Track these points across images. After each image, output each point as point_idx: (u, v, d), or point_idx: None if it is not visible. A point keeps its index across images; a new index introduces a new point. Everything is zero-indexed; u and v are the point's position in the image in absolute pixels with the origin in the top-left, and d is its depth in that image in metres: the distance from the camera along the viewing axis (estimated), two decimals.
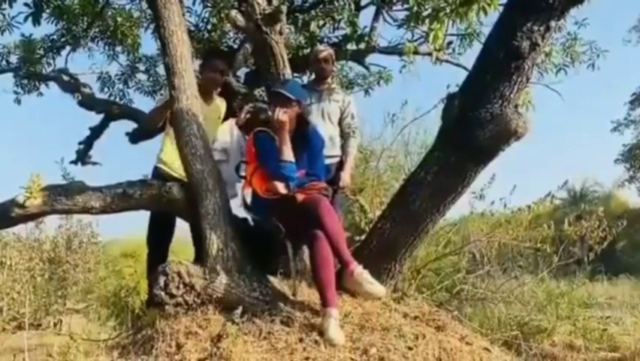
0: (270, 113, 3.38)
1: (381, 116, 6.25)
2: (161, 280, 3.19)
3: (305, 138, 3.44)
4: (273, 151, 3.31)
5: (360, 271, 3.04)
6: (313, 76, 4.52)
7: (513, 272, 5.88)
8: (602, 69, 7.15)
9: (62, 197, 3.52)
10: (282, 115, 3.24)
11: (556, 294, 5.35)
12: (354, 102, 4.44)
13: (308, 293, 3.43)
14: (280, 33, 3.92)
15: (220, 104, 4.30)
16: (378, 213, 4.64)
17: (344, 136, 4.28)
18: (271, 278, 3.42)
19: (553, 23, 2.93)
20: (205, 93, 4.05)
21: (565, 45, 6.82)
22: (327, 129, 4.09)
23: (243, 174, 3.49)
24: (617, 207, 22.19)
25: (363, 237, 4.30)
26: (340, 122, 4.29)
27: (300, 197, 3.19)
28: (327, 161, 3.87)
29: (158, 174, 3.94)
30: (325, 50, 4.34)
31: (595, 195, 24.84)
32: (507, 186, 5.27)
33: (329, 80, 4.38)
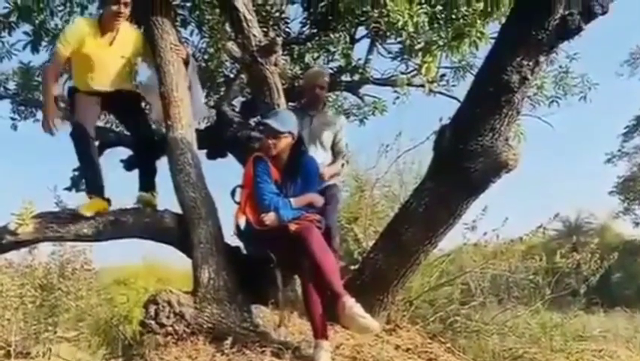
0: (262, 142, 3.41)
1: (375, 146, 6.28)
2: (152, 309, 3.18)
3: (299, 164, 3.45)
4: (269, 183, 3.32)
5: (351, 305, 2.92)
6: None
7: (508, 303, 5.85)
8: (596, 101, 7.25)
9: (54, 224, 3.53)
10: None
11: (550, 326, 5.30)
12: (345, 128, 4.32)
13: (299, 324, 3.41)
14: (275, 64, 3.97)
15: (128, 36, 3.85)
16: (372, 242, 4.63)
17: (334, 158, 4.16)
18: (262, 308, 3.40)
19: (542, 58, 2.99)
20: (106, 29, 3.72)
21: (556, 78, 6.92)
22: (318, 155, 3.96)
23: (237, 199, 3.48)
24: (613, 239, 22.15)
25: (356, 266, 4.29)
26: (333, 147, 4.19)
27: (292, 227, 3.17)
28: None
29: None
30: (322, 77, 4.27)
31: (590, 226, 24.82)
32: (500, 217, 5.29)
33: (322, 105, 4.30)
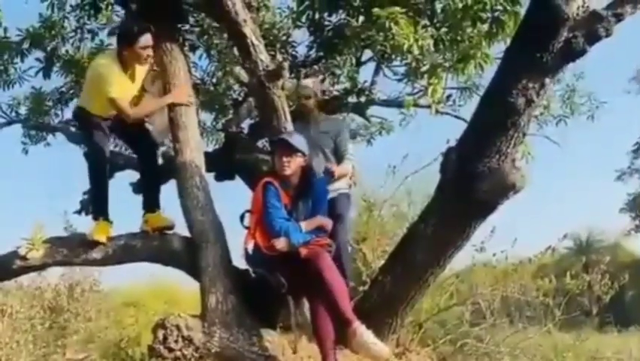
0: (274, 162, 3.43)
1: (383, 165, 6.33)
2: (160, 333, 3.18)
3: (309, 186, 3.45)
4: (278, 208, 3.31)
5: (362, 332, 2.92)
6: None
7: (520, 323, 5.79)
8: (604, 118, 7.25)
9: (64, 249, 3.56)
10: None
11: (562, 347, 5.25)
12: (346, 129, 4.26)
13: (308, 348, 3.40)
14: (282, 88, 4.00)
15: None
16: (381, 262, 4.62)
17: (339, 162, 4.05)
18: (271, 332, 3.39)
19: (547, 81, 3.00)
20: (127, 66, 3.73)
21: (563, 97, 6.93)
22: (320, 164, 3.89)
23: (246, 224, 3.48)
24: (625, 257, 21.91)
25: (365, 287, 4.27)
26: (336, 153, 4.08)
27: (303, 252, 3.17)
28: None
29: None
30: (304, 89, 4.21)
31: (601, 244, 24.57)
32: (509, 237, 5.26)
33: (316, 113, 4.16)
